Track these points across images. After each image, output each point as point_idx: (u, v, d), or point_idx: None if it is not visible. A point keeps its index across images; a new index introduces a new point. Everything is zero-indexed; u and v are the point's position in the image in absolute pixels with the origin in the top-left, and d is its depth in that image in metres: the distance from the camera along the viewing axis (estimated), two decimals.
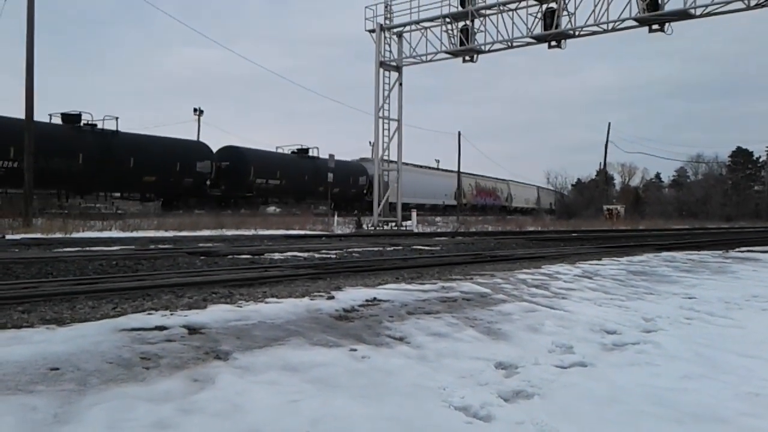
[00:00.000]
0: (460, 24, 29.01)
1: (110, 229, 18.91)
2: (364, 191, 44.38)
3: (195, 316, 4.22)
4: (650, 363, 4.01)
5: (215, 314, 4.34)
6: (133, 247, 12.04)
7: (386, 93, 31.10)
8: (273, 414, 2.67)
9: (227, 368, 3.18)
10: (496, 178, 68.85)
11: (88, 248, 11.44)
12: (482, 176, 65.22)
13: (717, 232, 31.85)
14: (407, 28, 30.86)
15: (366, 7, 31.18)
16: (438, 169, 61.41)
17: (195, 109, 49.16)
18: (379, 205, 31.17)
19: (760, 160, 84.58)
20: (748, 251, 14.82)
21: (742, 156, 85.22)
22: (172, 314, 4.31)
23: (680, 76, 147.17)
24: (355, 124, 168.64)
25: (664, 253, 12.88)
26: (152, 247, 12.27)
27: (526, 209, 69.32)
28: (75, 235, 16.39)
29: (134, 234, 17.62)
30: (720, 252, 14.08)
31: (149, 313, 4.35)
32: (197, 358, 3.30)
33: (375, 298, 5.41)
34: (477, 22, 28.78)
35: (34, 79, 20.83)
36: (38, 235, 15.56)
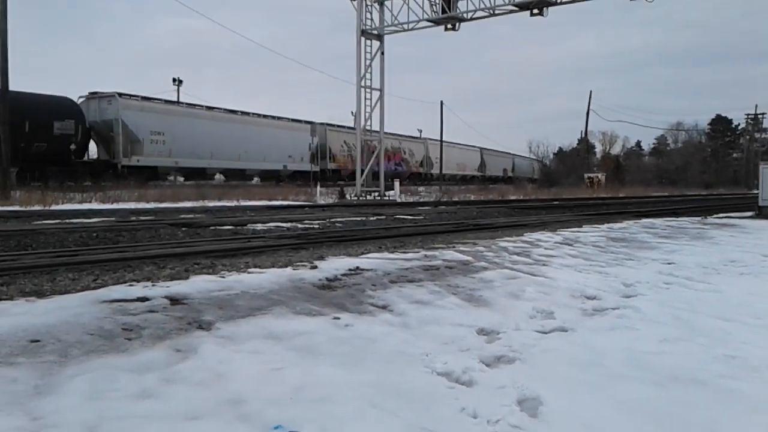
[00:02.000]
0: None
1: (90, 201, 18.70)
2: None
3: (177, 287, 4.19)
4: (630, 327, 4.07)
5: (198, 285, 4.32)
6: (113, 219, 11.92)
7: (368, 62, 30.80)
8: (256, 382, 2.67)
9: (210, 338, 3.18)
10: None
11: (67, 220, 11.31)
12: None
13: (696, 199, 32.24)
14: None
15: None
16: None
17: (174, 79, 48.28)
18: (362, 174, 31.06)
19: (739, 127, 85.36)
20: (726, 217, 15.03)
21: (721, 124, 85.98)
22: (154, 285, 4.28)
23: (663, 45, 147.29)
24: (337, 94, 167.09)
25: (644, 220, 13.02)
26: (133, 218, 12.16)
27: (500, 178, 65.03)
28: (54, 207, 16.17)
29: (114, 206, 17.45)
30: (698, 218, 14.26)
31: (131, 285, 4.32)
32: (180, 329, 3.29)
33: (358, 267, 5.41)
34: None
35: (8, 48, 20.37)
36: (16, 208, 15.34)
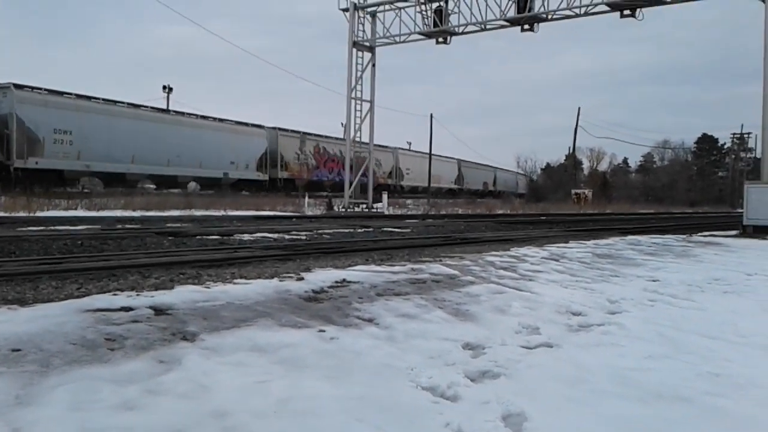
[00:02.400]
0: (435, 5, 28.88)
1: (76, 209, 18.58)
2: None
3: (162, 297, 4.16)
4: (615, 344, 4.08)
5: (183, 295, 4.29)
6: (99, 226, 11.84)
7: (359, 74, 30.90)
8: (240, 395, 2.65)
9: (194, 349, 3.15)
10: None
11: (52, 227, 11.22)
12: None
13: (681, 217, 32.52)
14: (381, 7, 30.62)
15: None
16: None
17: (164, 87, 48.12)
18: (350, 186, 31.08)
19: (725, 146, 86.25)
20: (711, 236, 15.16)
21: (707, 143, 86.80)
22: (138, 295, 4.25)
23: (651, 63, 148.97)
24: (328, 104, 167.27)
25: (630, 237, 13.10)
26: (119, 226, 12.08)
27: (479, 192, 62.17)
28: (39, 213, 16.06)
29: (101, 213, 17.33)
30: (684, 236, 14.37)
31: (115, 294, 4.28)
32: (164, 339, 3.26)
33: (344, 280, 5.40)
34: (451, 3, 28.69)
35: None
36: (1, 214, 15.20)
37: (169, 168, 31.89)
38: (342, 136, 39.62)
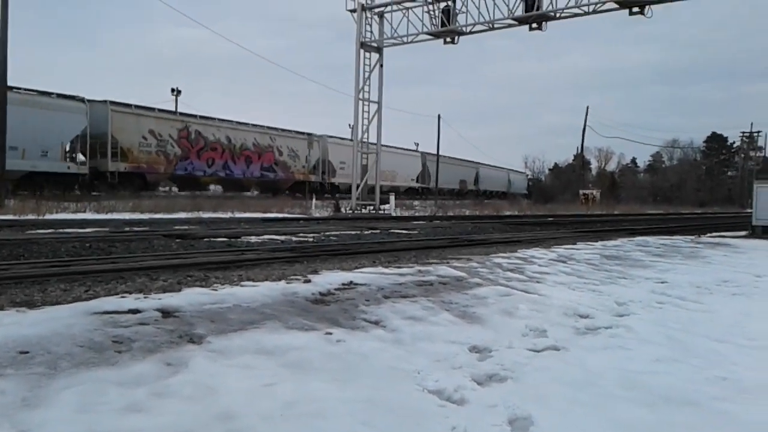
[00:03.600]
0: (442, 5, 28.83)
1: (84, 211, 18.64)
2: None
3: (169, 299, 4.18)
4: (623, 347, 4.07)
5: (190, 297, 4.30)
6: (107, 229, 11.88)
7: (367, 74, 30.90)
8: (247, 397, 2.66)
9: (201, 352, 3.16)
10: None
11: (61, 230, 11.26)
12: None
13: (690, 217, 32.35)
14: (388, 8, 30.59)
15: None
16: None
17: (172, 89, 48.23)
18: (357, 188, 31.08)
19: (735, 145, 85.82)
20: (720, 236, 15.07)
21: (716, 142, 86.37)
22: (146, 297, 4.27)
23: (661, 62, 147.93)
24: (336, 105, 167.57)
25: (638, 238, 13.05)
26: (127, 229, 12.12)
27: (454, 192, 54.83)
28: (48, 216, 16.11)
29: (109, 216, 17.39)
30: (692, 237, 14.30)
31: (123, 296, 4.30)
32: (171, 342, 3.27)
33: (351, 282, 5.40)
34: (459, 2, 28.59)
35: (7, 57, 20.30)
36: (10, 217, 15.28)
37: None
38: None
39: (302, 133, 39.47)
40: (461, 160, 59.23)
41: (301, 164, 38.46)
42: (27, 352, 2.90)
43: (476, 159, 64.52)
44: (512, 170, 71.00)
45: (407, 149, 51.66)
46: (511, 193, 63.11)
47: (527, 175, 76.86)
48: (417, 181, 49.63)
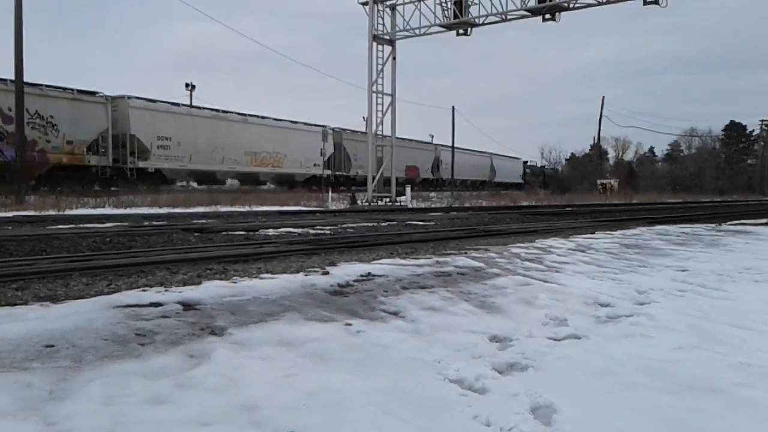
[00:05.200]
0: None
1: (103, 206, 18.84)
2: None
3: (190, 293, 4.21)
4: (644, 335, 4.04)
5: (210, 290, 4.33)
6: (126, 223, 11.99)
7: (380, 67, 30.86)
8: (269, 389, 2.67)
9: (223, 344, 3.19)
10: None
11: (81, 225, 11.40)
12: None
13: (710, 206, 31.98)
14: (400, 0, 30.54)
15: None
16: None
17: (187, 85, 48.50)
18: (373, 180, 31.09)
19: (754, 133, 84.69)
20: (741, 224, 14.89)
21: (735, 130, 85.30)
22: (166, 290, 4.31)
23: (677, 51, 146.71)
24: (351, 99, 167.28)
25: (658, 227, 12.93)
26: (146, 223, 12.22)
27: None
28: (68, 212, 16.30)
29: (128, 211, 17.55)
30: (713, 225, 14.14)
31: (144, 290, 4.34)
32: (192, 334, 3.30)
33: (370, 273, 5.41)
34: None
35: (23, 52, 20.51)
36: (31, 213, 15.48)
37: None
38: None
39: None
40: (419, 142, 51.23)
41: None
42: (52, 346, 2.94)
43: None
44: (498, 155, 62.25)
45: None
46: (495, 182, 57.22)
47: (524, 162, 69.55)
48: (329, 167, 39.97)
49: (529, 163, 72.90)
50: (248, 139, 34.68)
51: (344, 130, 42.01)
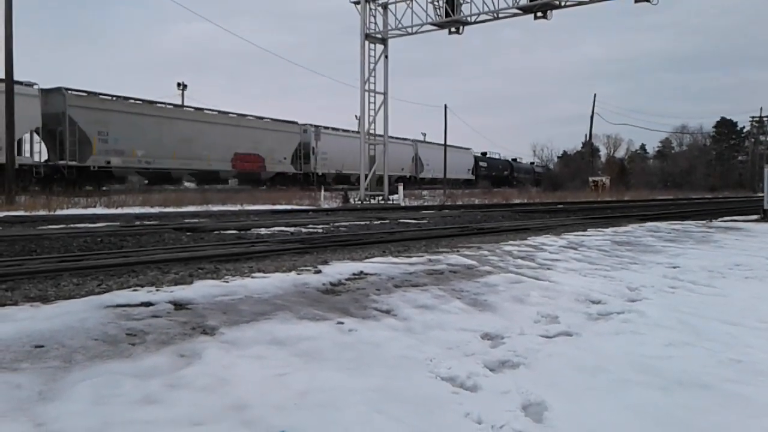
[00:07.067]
0: None
1: (95, 206, 18.74)
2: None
3: (181, 292, 4.19)
4: (635, 332, 4.05)
5: (202, 290, 4.32)
6: (118, 223, 11.94)
7: (372, 66, 30.80)
8: (260, 388, 2.67)
9: (214, 343, 3.18)
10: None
11: (72, 225, 11.34)
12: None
13: (701, 203, 32.14)
14: None
15: None
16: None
17: (178, 84, 48.28)
18: (366, 178, 31.06)
19: (744, 130, 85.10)
20: (731, 221, 14.96)
21: (726, 127, 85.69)
22: (158, 290, 4.29)
23: (668, 49, 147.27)
24: (344, 97, 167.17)
25: (649, 224, 12.98)
26: (137, 223, 12.18)
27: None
28: (59, 212, 16.21)
29: (119, 210, 17.47)
30: (703, 222, 14.20)
31: (135, 290, 4.32)
32: (184, 334, 3.29)
33: (362, 272, 5.41)
34: None
35: (13, 52, 20.40)
36: (21, 213, 15.38)
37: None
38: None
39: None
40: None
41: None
42: (42, 346, 2.92)
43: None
44: (427, 143, 55.44)
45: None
46: (420, 178, 51.52)
47: (473, 154, 60.64)
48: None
49: (518, 161, 72.66)
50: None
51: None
